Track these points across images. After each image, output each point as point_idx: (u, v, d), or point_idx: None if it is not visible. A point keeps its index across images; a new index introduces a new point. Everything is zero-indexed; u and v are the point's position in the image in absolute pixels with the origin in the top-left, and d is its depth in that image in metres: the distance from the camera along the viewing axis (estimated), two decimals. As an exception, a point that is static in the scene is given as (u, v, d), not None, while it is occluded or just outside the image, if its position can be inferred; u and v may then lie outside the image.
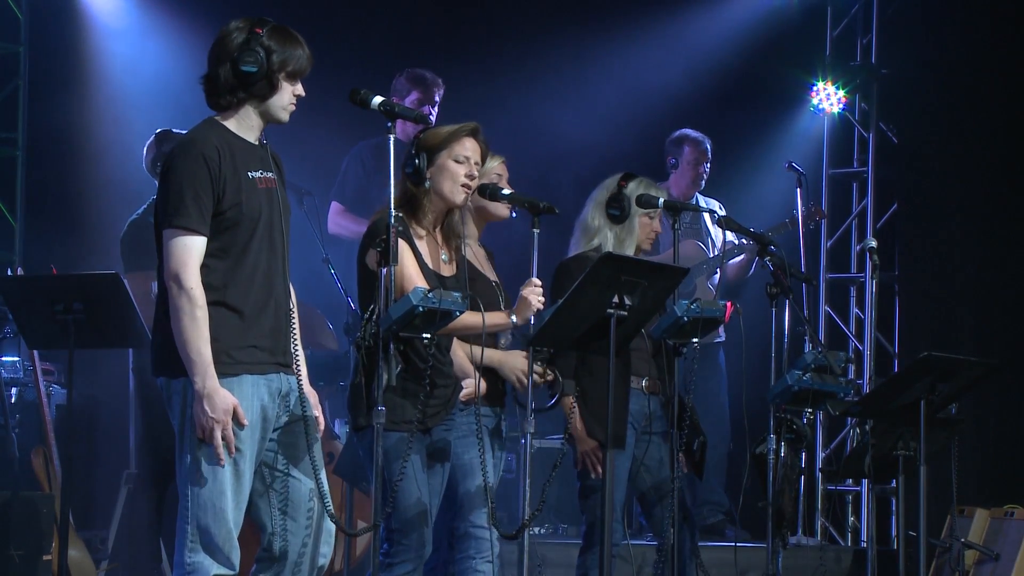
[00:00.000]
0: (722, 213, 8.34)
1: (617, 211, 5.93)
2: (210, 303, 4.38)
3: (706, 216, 8.53)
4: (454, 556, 5.49)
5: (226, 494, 4.39)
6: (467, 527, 5.42)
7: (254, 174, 4.49)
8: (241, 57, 4.43)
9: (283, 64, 4.48)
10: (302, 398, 4.55)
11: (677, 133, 8.72)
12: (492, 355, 5.49)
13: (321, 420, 4.66)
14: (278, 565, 4.54)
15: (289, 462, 4.54)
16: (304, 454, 4.53)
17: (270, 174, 4.55)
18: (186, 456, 4.40)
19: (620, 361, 5.40)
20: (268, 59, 4.45)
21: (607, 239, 5.98)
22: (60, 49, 9.13)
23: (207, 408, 4.33)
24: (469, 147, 5.26)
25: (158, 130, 7.19)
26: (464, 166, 5.24)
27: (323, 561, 4.59)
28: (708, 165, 8.67)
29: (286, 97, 4.52)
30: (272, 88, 4.49)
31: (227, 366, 4.39)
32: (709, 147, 8.67)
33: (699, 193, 8.67)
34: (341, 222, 8.02)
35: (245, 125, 4.53)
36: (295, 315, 4.60)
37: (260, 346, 4.47)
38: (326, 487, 4.56)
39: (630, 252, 5.96)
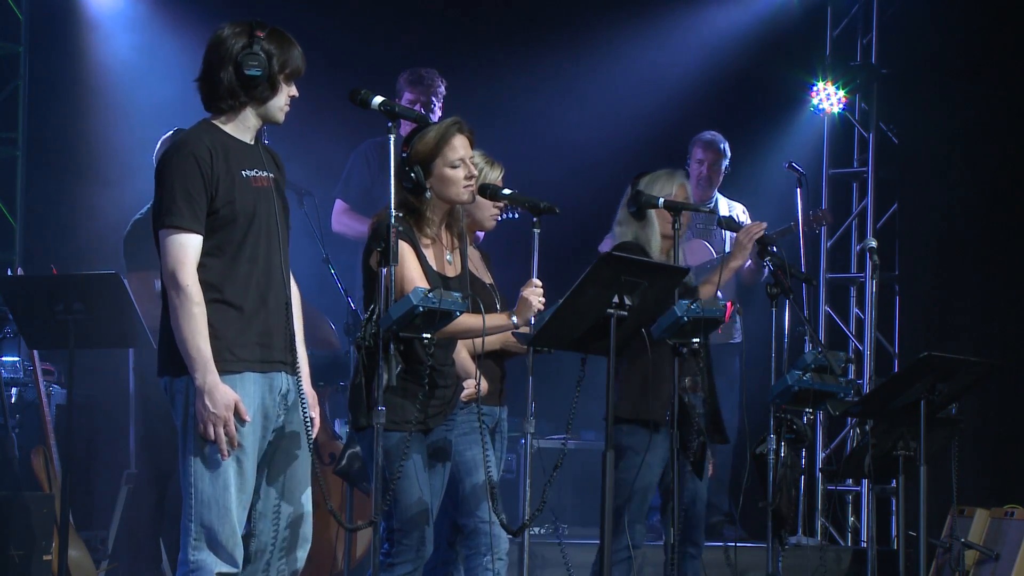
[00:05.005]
0: (745, 216, 8.33)
1: (634, 207, 6.03)
2: (210, 301, 4.39)
3: None
4: (463, 553, 5.47)
5: (230, 491, 4.40)
6: (476, 523, 5.41)
7: (248, 173, 4.50)
8: (245, 61, 4.45)
9: (283, 66, 4.51)
10: (301, 398, 4.55)
11: (697, 135, 8.68)
12: (494, 341, 5.49)
13: (317, 420, 4.67)
14: (251, 567, 4.56)
15: (277, 465, 4.55)
16: (293, 459, 4.55)
17: (266, 173, 4.56)
18: (189, 454, 4.41)
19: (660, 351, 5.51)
20: (270, 62, 4.47)
21: (629, 235, 6.07)
22: (60, 49, 9.12)
23: (208, 404, 4.34)
24: (459, 146, 5.22)
25: (175, 128, 7.15)
26: (462, 168, 5.21)
27: (298, 566, 4.63)
28: (725, 163, 8.58)
29: (283, 98, 4.55)
30: (274, 90, 4.51)
31: (230, 363, 4.40)
32: (723, 147, 8.57)
33: (719, 193, 8.62)
34: (345, 220, 7.99)
35: (242, 127, 4.54)
36: (298, 314, 4.61)
37: (261, 343, 4.48)
38: (309, 495, 4.58)
39: (656, 243, 6.05)
